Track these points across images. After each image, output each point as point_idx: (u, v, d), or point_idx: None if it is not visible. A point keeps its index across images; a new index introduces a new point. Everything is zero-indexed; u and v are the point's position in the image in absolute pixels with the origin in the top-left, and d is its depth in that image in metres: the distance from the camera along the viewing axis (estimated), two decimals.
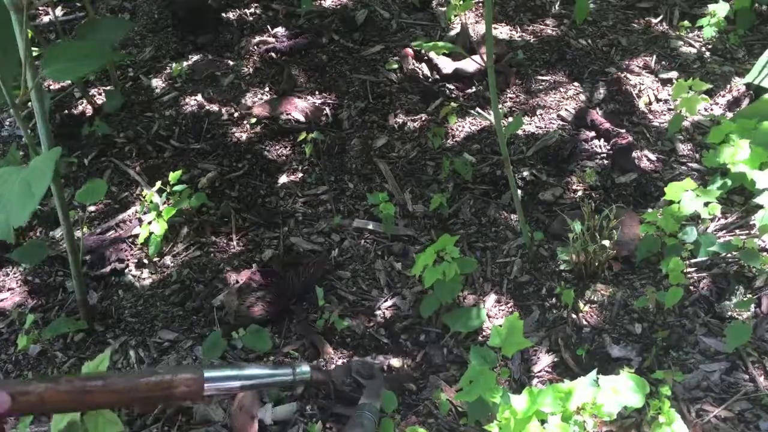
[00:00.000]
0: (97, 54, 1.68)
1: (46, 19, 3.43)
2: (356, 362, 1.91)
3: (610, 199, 2.39)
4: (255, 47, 3.15)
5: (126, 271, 2.35)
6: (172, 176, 2.36)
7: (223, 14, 3.31)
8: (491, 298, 2.16)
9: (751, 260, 1.88)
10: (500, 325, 1.69)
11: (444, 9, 3.27)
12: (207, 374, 1.42)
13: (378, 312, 2.17)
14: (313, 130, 2.69)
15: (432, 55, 2.98)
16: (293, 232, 2.43)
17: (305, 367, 1.66)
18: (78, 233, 2.38)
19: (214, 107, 2.90)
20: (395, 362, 2.01)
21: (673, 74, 2.86)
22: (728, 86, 2.78)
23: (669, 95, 2.78)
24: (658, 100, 2.78)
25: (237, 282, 2.24)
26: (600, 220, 2.13)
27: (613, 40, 3.07)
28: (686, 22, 3.09)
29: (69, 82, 3.00)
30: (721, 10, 2.93)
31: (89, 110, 2.90)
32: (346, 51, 3.10)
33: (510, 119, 2.73)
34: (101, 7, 3.43)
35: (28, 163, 1.53)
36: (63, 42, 1.67)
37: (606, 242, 2.06)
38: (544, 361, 1.98)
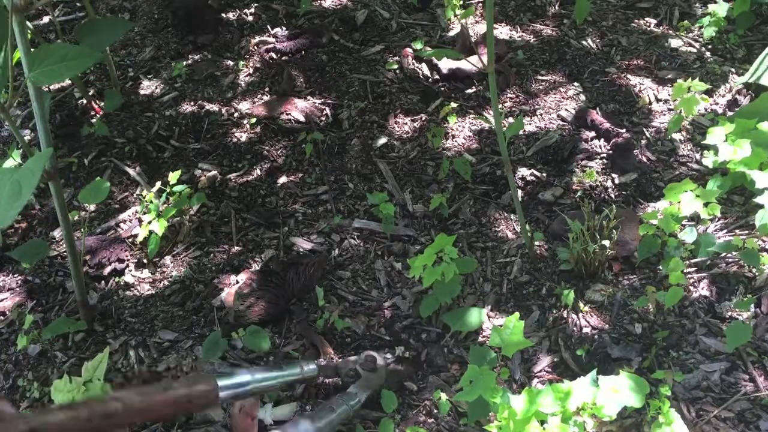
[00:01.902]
0: (84, 55, 1.65)
1: (45, 19, 3.43)
2: (365, 354, 1.92)
3: (610, 199, 2.40)
4: (255, 47, 3.15)
5: (126, 271, 2.36)
6: (172, 176, 2.36)
7: (223, 14, 3.31)
8: (491, 298, 2.16)
9: (751, 260, 1.88)
10: (500, 325, 1.69)
11: (444, 9, 3.27)
12: (221, 383, 1.46)
13: (378, 312, 2.17)
14: (313, 130, 2.69)
15: None
16: (293, 232, 2.43)
17: (312, 365, 1.71)
18: (78, 233, 2.38)
19: (214, 107, 2.90)
20: (395, 354, 2.00)
21: (673, 74, 2.86)
22: (728, 86, 2.78)
23: (669, 95, 2.78)
24: (658, 100, 2.78)
25: (237, 282, 2.24)
26: (600, 220, 2.13)
27: (613, 40, 3.07)
28: (686, 22, 3.08)
29: (69, 81, 3.00)
30: (721, 10, 2.93)
31: (89, 110, 2.90)
32: (346, 51, 3.10)
33: (510, 120, 2.73)
34: (101, 7, 3.43)
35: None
36: (47, 44, 1.64)
37: (606, 242, 2.06)
38: (544, 361, 1.98)
